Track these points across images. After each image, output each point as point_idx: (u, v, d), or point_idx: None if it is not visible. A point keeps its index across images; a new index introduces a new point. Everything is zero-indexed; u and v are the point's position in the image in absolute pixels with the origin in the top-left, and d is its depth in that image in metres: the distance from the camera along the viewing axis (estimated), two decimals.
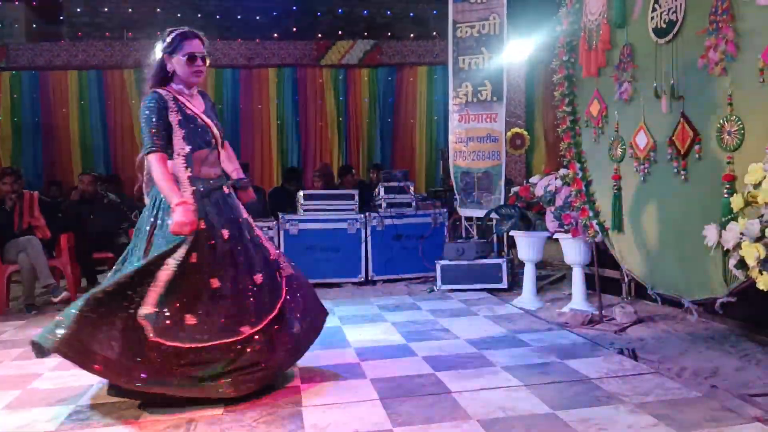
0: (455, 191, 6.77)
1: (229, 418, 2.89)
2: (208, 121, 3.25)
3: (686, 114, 3.50)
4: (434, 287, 6.03)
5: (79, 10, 10.87)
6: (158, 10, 10.40)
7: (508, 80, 6.72)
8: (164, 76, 3.21)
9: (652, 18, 3.76)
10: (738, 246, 2.89)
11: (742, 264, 2.90)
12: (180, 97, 3.19)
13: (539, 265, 6.03)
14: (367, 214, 6.54)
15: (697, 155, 3.42)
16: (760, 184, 2.84)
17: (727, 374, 3.33)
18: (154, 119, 3.09)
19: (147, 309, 2.93)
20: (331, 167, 9.35)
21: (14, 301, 5.95)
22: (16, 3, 10.45)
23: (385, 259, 6.50)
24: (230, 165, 3.58)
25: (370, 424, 2.75)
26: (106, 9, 10.83)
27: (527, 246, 5.36)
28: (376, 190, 6.84)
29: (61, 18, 10.92)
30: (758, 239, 2.79)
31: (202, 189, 3.19)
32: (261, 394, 3.13)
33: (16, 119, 10.02)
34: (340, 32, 10.84)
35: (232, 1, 10.81)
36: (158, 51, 3.22)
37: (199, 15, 10.45)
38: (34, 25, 10.78)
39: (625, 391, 3.03)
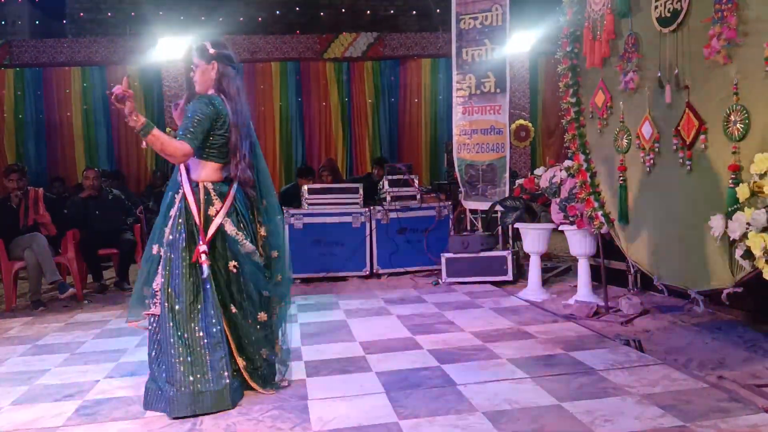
0: (460, 184, 6.75)
1: (236, 412, 2.90)
2: None
3: (691, 104, 3.48)
4: (439, 280, 6.02)
5: (81, 6, 10.87)
6: (160, 6, 10.38)
7: (511, 72, 6.69)
8: None
9: (656, 7, 3.73)
10: (744, 236, 2.88)
11: (748, 254, 2.89)
12: None
13: (544, 257, 6.03)
14: (371, 207, 6.53)
15: (702, 145, 3.40)
16: (766, 174, 2.83)
17: (733, 365, 3.33)
18: None
19: None
20: (335, 162, 9.34)
21: (21, 297, 5.97)
22: (20, 0, 10.45)
23: (389, 253, 6.48)
24: None
25: (376, 417, 2.76)
26: (108, 5, 10.82)
27: (532, 238, 5.35)
28: (381, 183, 6.82)
29: (64, 14, 10.93)
30: (764, 229, 2.78)
31: None
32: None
33: (20, 116, 10.04)
34: (342, 25, 10.80)
35: None
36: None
37: (202, 11, 10.43)
38: (38, 22, 10.78)
39: (631, 382, 3.03)
